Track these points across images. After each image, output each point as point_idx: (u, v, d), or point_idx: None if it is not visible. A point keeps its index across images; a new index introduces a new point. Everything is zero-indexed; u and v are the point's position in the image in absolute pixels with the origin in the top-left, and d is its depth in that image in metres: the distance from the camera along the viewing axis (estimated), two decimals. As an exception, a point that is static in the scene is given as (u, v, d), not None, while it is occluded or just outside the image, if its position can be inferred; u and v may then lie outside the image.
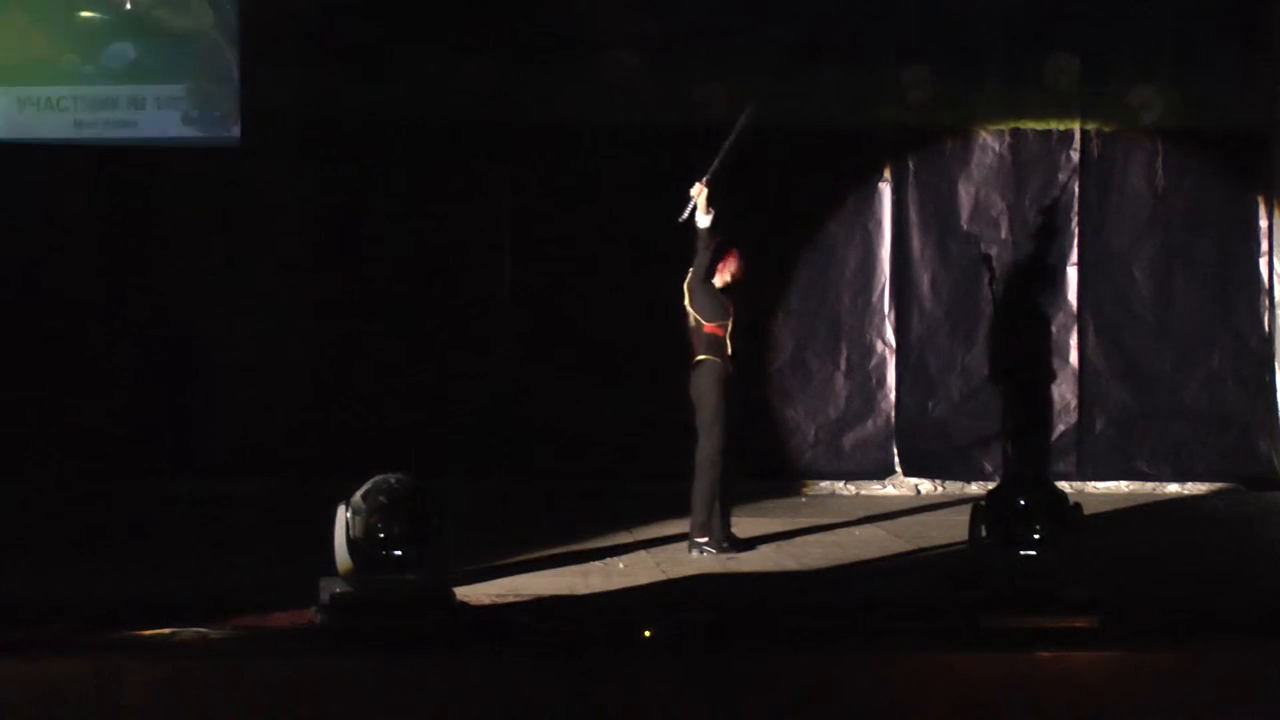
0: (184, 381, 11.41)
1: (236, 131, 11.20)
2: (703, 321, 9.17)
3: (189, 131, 11.24)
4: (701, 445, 9.16)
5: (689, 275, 9.24)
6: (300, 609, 7.00)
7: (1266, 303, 12.22)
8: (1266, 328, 12.22)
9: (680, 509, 9.27)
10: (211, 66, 11.21)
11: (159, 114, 11.22)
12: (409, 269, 11.60)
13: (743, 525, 9.51)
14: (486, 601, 7.47)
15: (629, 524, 9.87)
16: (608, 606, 7.57)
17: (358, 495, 6.89)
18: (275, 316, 11.43)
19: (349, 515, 6.85)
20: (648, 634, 6.72)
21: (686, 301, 9.24)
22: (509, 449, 11.55)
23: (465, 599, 7.25)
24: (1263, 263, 12.23)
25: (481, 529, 8.79)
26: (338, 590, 6.84)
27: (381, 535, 6.81)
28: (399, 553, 6.81)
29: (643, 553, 9.11)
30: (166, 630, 6.71)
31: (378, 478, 6.93)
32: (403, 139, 11.57)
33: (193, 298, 11.42)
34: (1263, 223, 12.23)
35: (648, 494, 10.46)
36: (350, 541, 6.83)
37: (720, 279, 9.25)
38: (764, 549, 9.32)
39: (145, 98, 11.22)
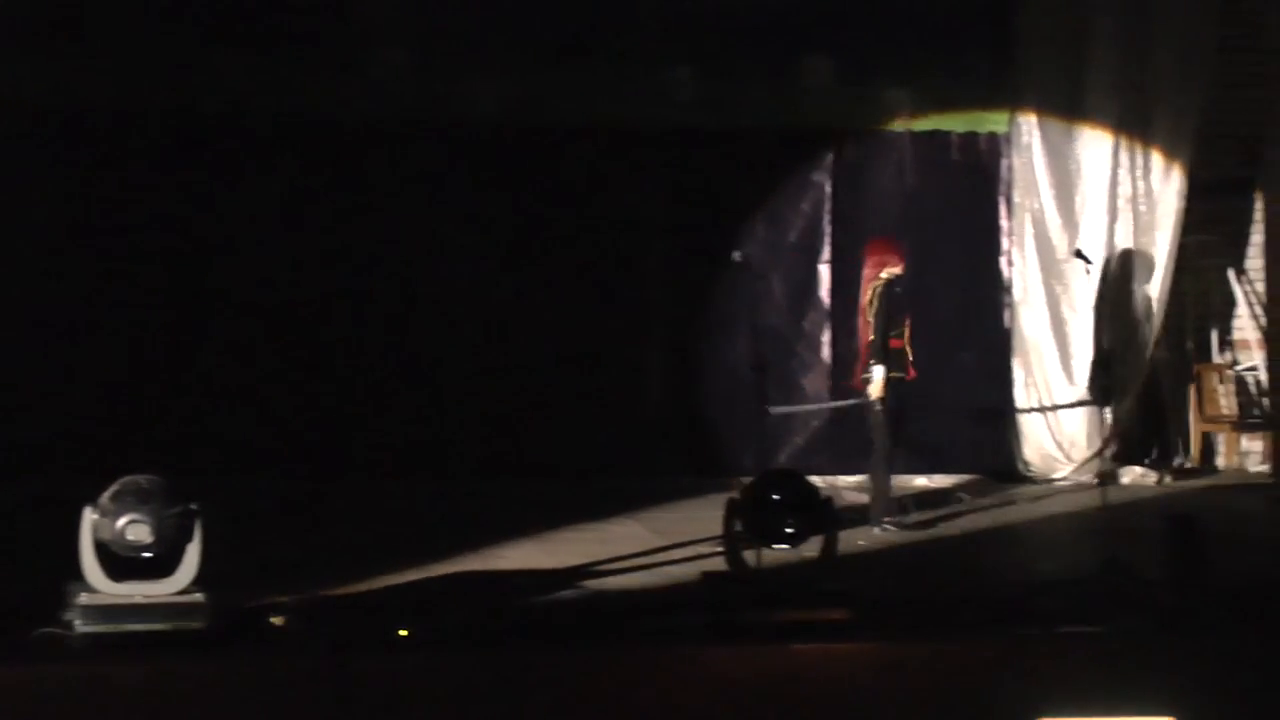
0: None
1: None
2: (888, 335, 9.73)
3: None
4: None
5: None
6: (51, 615, 6.79)
7: (1006, 299, 12.71)
8: (1006, 324, 12.72)
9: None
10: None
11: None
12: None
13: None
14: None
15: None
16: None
17: (105, 497, 6.71)
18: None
19: (96, 517, 6.67)
20: (403, 633, 6.69)
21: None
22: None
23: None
24: (1003, 261, 12.70)
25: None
26: (84, 597, 6.65)
27: (131, 538, 6.64)
28: (148, 555, 6.66)
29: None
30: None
31: (126, 478, 6.76)
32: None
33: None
34: (1003, 223, 12.72)
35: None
36: (98, 545, 6.66)
37: (888, 271, 9.81)
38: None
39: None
